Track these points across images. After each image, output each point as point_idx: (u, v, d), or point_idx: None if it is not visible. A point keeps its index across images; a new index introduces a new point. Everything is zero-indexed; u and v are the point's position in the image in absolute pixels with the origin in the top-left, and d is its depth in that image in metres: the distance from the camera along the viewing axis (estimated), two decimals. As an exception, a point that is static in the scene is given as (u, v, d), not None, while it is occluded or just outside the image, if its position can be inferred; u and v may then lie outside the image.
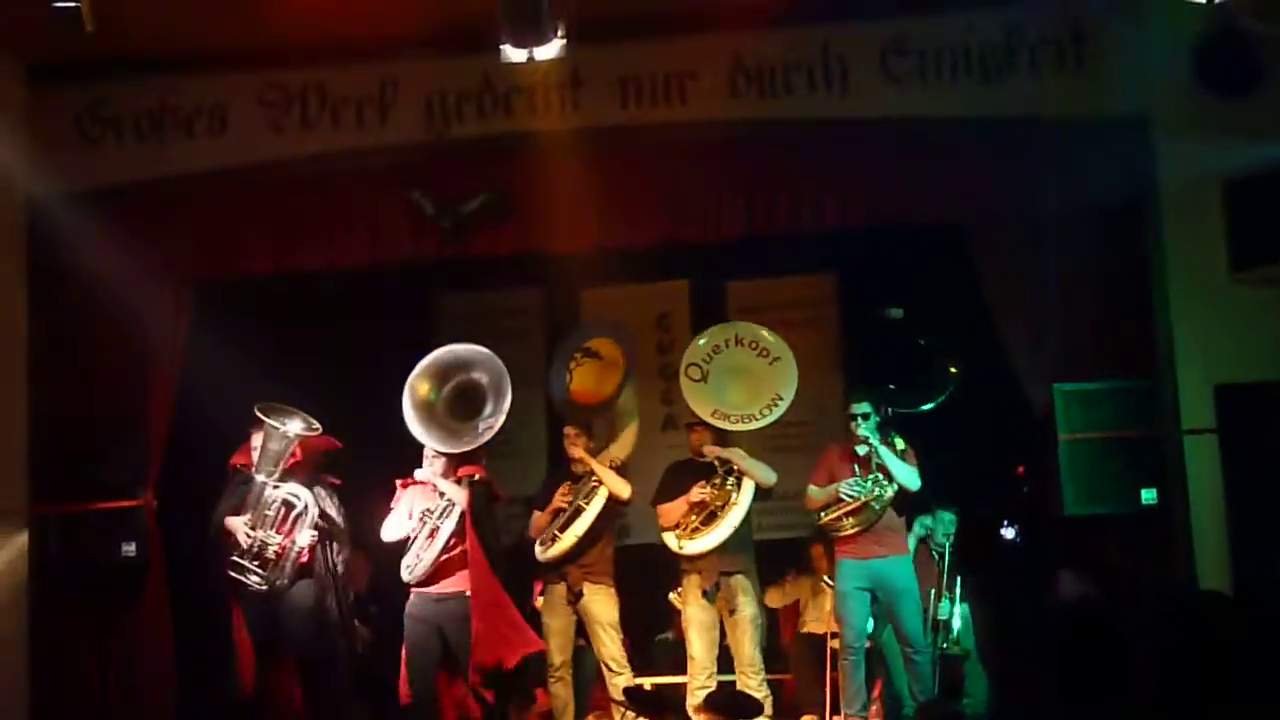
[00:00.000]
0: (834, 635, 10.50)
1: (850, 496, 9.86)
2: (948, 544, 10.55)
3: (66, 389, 10.51)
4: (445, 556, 9.71)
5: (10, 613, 10.23)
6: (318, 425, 9.92)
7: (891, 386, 10.25)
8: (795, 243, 11.01)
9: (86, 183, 10.38)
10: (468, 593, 9.70)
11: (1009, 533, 9.79)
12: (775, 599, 11.35)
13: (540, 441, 12.24)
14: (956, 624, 10.44)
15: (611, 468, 10.17)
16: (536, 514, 10.35)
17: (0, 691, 10.07)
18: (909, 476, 9.88)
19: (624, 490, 10.10)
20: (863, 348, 11.43)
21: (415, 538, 9.86)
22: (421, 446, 9.87)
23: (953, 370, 10.54)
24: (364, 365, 11.36)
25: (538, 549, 10.22)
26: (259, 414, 9.78)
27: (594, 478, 10.14)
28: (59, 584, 10.40)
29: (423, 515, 9.84)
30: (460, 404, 9.94)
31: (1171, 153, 9.81)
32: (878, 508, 9.84)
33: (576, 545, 10.01)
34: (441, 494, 9.82)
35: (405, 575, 9.82)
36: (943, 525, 10.54)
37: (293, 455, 9.85)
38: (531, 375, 10.99)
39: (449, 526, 9.75)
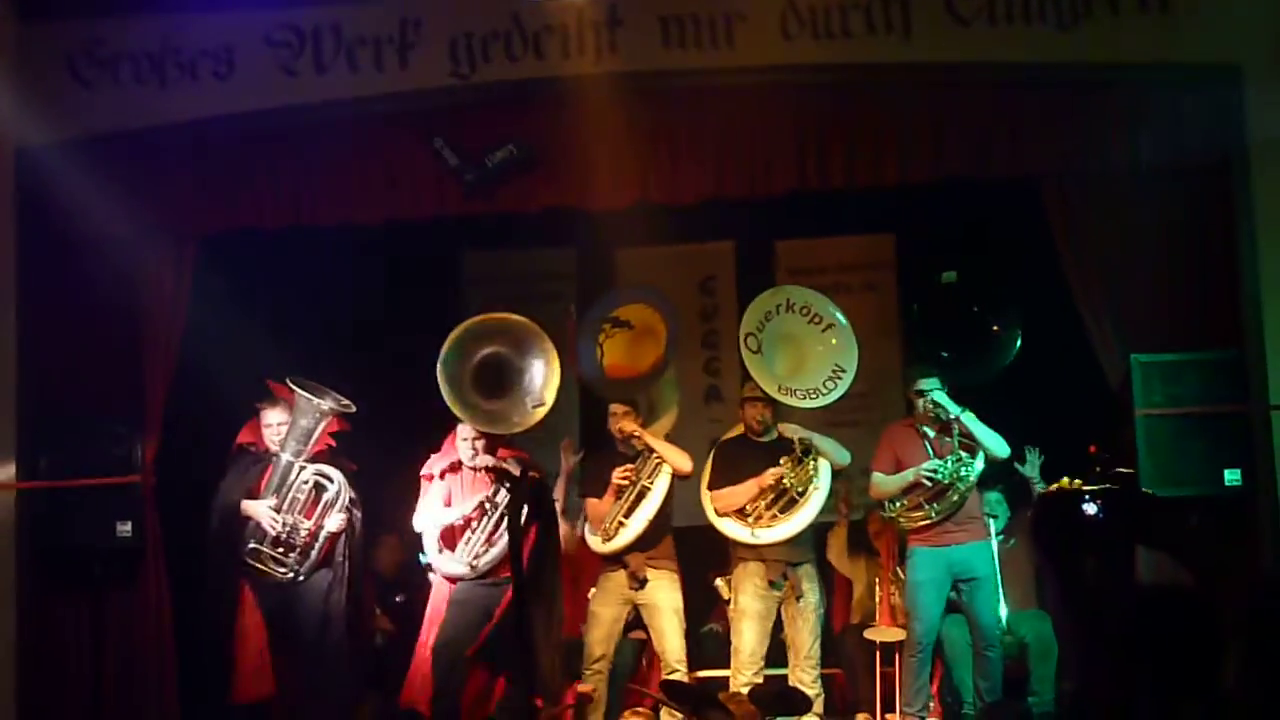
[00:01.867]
0: (873, 626, 10.64)
1: (932, 479, 9.95)
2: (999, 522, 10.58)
3: (58, 355, 10.52)
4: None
5: (-3, 597, 10.19)
6: (349, 403, 10.01)
7: (945, 355, 10.29)
8: (851, 200, 10.93)
9: (80, 129, 10.34)
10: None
11: (1091, 508, 9.79)
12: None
13: (572, 418, 12.23)
14: (1004, 613, 10.47)
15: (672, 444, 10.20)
16: (592, 502, 10.37)
17: (-13, 681, 10.03)
18: (998, 444, 9.93)
19: (686, 464, 10.13)
20: (917, 316, 11.44)
21: (474, 528, 9.95)
22: (445, 422, 10.02)
23: (1013, 339, 10.56)
24: (382, 331, 11.47)
25: (594, 540, 10.28)
26: (292, 386, 9.80)
27: (654, 455, 10.19)
28: (49, 566, 10.40)
29: (482, 504, 9.93)
30: (490, 380, 10.00)
31: (1263, 105, 9.71)
32: (963, 489, 9.92)
33: (646, 531, 10.10)
34: (502, 480, 9.85)
35: (459, 569, 9.88)
36: (988, 507, 10.52)
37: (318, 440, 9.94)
38: (562, 343, 11.06)
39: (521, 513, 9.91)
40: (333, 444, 10.16)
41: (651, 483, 10.14)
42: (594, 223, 11.20)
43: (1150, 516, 9.43)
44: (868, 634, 10.54)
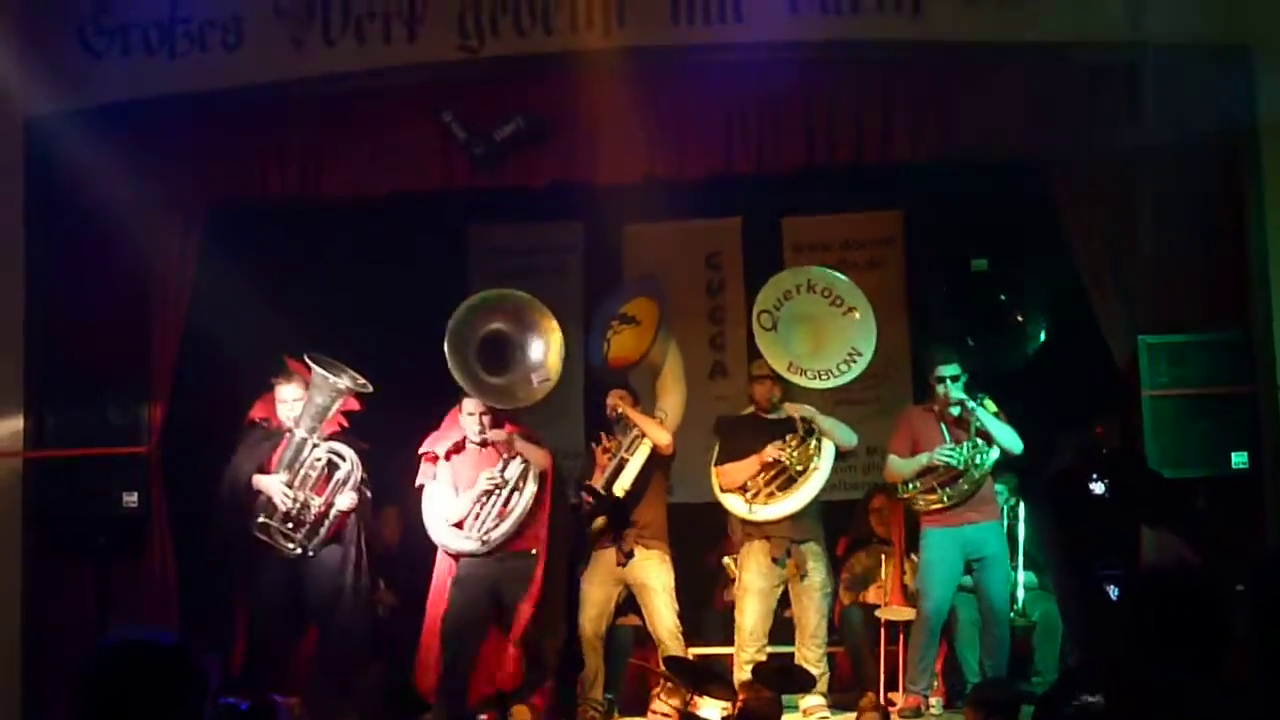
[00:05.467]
0: (885, 604, 10.64)
1: (945, 463, 9.97)
2: (1007, 512, 10.57)
3: (65, 325, 10.61)
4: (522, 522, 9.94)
5: (3, 566, 10.30)
6: (366, 382, 10.02)
7: (970, 343, 10.27)
8: (859, 176, 10.90)
9: (89, 99, 10.39)
10: (533, 551, 9.95)
11: (1098, 488, 9.74)
12: (856, 595, 11.04)
13: (577, 395, 12.27)
14: (1021, 594, 10.51)
15: (659, 421, 10.27)
16: (587, 484, 10.42)
17: (-8, 649, 10.16)
18: (1011, 439, 9.96)
19: (663, 438, 10.18)
20: (941, 302, 11.38)
21: (483, 505, 9.99)
22: (451, 395, 10.02)
23: (1039, 330, 10.52)
24: (389, 303, 11.45)
25: (585, 516, 10.35)
26: (309, 363, 9.85)
27: (635, 429, 10.26)
28: (55, 536, 10.47)
29: (495, 482, 9.98)
30: (493, 355, 10.03)
31: (1273, 84, 9.67)
32: (977, 476, 9.95)
33: (624, 502, 10.12)
34: (514, 456, 9.98)
35: (471, 546, 9.95)
36: (999, 498, 10.50)
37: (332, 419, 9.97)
38: (569, 317, 11.02)
39: (531, 489, 9.95)
40: (345, 424, 10.20)
41: (630, 454, 10.22)
42: (601, 197, 11.18)
43: (1157, 496, 9.44)
44: (879, 613, 10.51)
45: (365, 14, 10.28)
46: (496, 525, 9.92)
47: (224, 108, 10.45)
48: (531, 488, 10.00)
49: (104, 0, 10.44)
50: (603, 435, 10.50)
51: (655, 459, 10.25)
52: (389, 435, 10.43)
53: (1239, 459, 9.70)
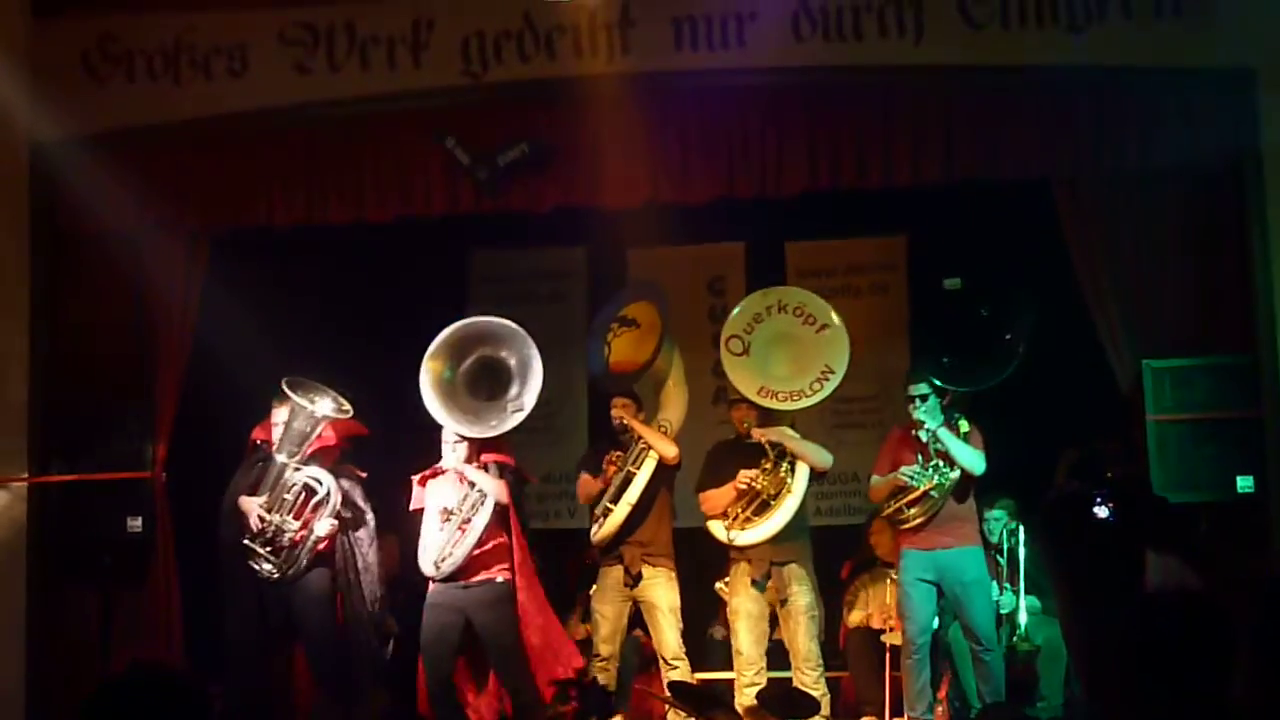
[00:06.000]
0: (890, 630, 10.61)
1: (909, 480, 9.91)
2: (1006, 537, 10.58)
3: (70, 351, 10.60)
4: (478, 550, 9.76)
5: (7, 591, 10.29)
6: (349, 407, 9.93)
7: (945, 361, 10.22)
8: (863, 201, 10.90)
9: (94, 126, 10.40)
10: (499, 579, 9.81)
11: (1102, 511, 9.66)
12: (859, 618, 11.03)
13: (580, 417, 12.26)
14: (1023, 618, 10.46)
15: (662, 432, 10.26)
16: (585, 477, 10.45)
17: (-5, 675, 10.17)
18: (971, 460, 9.85)
19: (669, 450, 10.15)
20: (921, 321, 11.34)
21: (441, 530, 9.87)
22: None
23: (1017, 346, 10.48)
24: (393, 329, 11.43)
25: (592, 530, 10.33)
26: (285, 389, 9.77)
27: (641, 441, 10.22)
28: (60, 560, 10.46)
29: (446, 510, 9.85)
30: (481, 382, 9.96)
31: (1277, 109, 9.68)
32: (937, 496, 9.86)
33: (631, 517, 10.08)
34: (472, 484, 9.86)
35: (430, 570, 9.83)
36: (999, 523, 10.58)
37: (319, 438, 9.86)
38: (572, 342, 11.04)
39: (482, 519, 9.76)
40: (346, 447, 10.12)
41: (637, 468, 10.17)
42: (604, 222, 11.21)
43: (1161, 521, 9.39)
44: (884, 638, 10.50)
45: (370, 39, 10.33)
46: (450, 554, 9.83)
47: (229, 134, 10.49)
48: (482, 518, 9.81)
49: (109, 27, 10.47)
50: (614, 453, 10.44)
51: (661, 473, 10.22)
52: (388, 461, 10.39)
53: (1244, 483, 9.64)
